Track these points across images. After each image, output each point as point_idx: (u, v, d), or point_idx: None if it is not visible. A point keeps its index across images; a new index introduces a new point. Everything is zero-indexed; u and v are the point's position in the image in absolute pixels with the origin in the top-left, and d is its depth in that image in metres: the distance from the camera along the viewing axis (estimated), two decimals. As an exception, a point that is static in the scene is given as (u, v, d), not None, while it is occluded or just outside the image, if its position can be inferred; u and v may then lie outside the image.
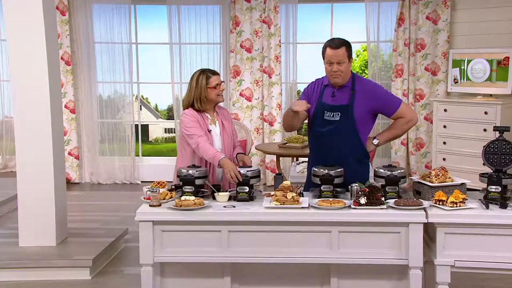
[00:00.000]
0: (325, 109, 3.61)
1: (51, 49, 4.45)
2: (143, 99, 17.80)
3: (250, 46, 7.05)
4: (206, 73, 3.76)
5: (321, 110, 3.62)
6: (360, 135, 3.59)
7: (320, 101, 3.64)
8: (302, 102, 3.54)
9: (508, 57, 5.94)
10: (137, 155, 7.70)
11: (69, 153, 7.31)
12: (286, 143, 5.95)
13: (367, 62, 7.60)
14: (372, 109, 3.59)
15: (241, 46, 7.04)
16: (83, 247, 4.49)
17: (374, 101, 3.57)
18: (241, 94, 7.13)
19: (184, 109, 3.83)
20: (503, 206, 3.21)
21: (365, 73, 9.25)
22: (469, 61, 6.25)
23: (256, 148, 6.37)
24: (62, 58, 7.07)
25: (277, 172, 5.90)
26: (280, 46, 7.01)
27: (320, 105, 3.63)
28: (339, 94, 3.60)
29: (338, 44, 3.51)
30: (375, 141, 3.66)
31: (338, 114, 3.57)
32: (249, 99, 7.14)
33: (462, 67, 6.31)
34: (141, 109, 9.28)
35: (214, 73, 3.79)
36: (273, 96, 7.05)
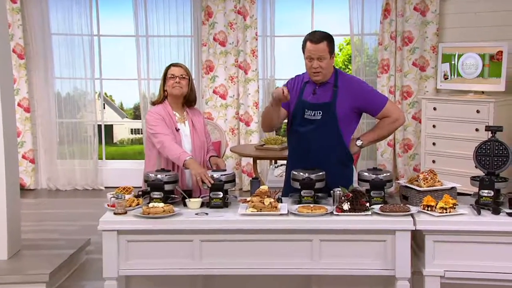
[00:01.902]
0: (305, 107, 3.64)
1: (1, 40, 4.39)
2: (107, 96, 17.64)
3: (224, 39, 7.05)
4: (172, 63, 3.88)
5: (301, 109, 3.65)
6: (343, 136, 3.62)
7: (300, 99, 3.66)
8: (281, 88, 3.49)
9: (501, 51, 6.03)
10: (100, 158, 7.64)
11: (23, 156, 7.22)
12: (264, 144, 5.98)
13: (350, 56, 7.68)
14: (356, 107, 3.62)
15: (214, 39, 7.04)
16: (39, 260, 4.43)
17: (358, 99, 3.60)
18: (214, 92, 7.13)
19: (152, 104, 3.88)
20: (496, 211, 3.27)
21: (349, 68, 9.33)
22: (459, 56, 6.34)
23: (231, 150, 6.38)
24: (14, 51, 6.97)
25: (254, 176, 5.92)
26: (256, 39, 7.03)
27: (300, 103, 3.66)
28: (320, 91, 3.63)
29: (319, 38, 3.53)
30: (359, 142, 3.69)
31: (319, 113, 3.60)
32: (223, 97, 7.15)
33: (453, 62, 6.39)
34: (104, 108, 9.18)
35: (176, 65, 3.87)
36: (250, 94, 7.07)
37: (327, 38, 3.55)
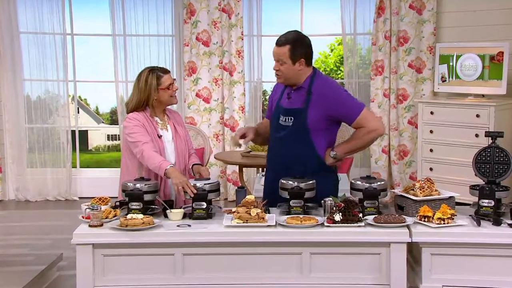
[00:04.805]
0: (280, 113, 3.73)
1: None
2: (81, 100, 17.62)
3: (207, 39, 7.07)
4: (156, 72, 3.80)
5: (277, 114, 3.75)
6: (315, 144, 3.65)
7: (278, 103, 3.77)
8: (235, 137, 3.80)
9: (502, 52, 6.08)
10: (74, 167, 7.61)
11: (-10, 165, 7.19)
12: (250, 151, 5.99)
13: (342, 57, 7.73)
14: (329, 115, 3.63)
15: (197, 39, 7.06)
16: (7, 277, 4.40)
17: (330, 106, 3.61)
18: (197, 95, 7.14)
19: (128, 112, 3.85)
20: (497, 222, 3.30)
21: (341, 70, 9.38)
22: (458, 57, 6.39)
23: (215, 158, 6.38)
24: (-21, 51, 6.97)
25: (240, 185, 5.93)
26: (242, 39, 7.05)
27: (277, 108, 3.77)
28: (294, 96, 3.70)
29: (283, 41, 3.60)
30: (332, 153, 3.69)
31: (291, 119, 3.67)
32: (207, 100, 7.16)
33: (451, 64, 6.45)
34: (78, 112, 9.18)
35: (165, 71, 3.83)
36: (235, 97, 7.08)
37: (293, 43, 3.59)
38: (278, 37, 3.65)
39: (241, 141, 3.84)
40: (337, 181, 3.81)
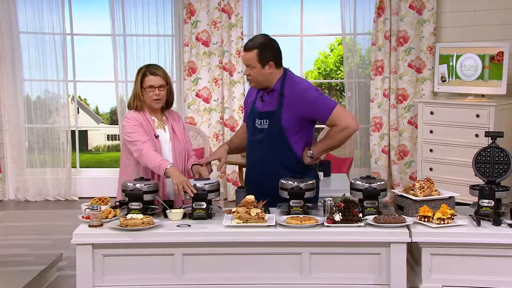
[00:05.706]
0: (255, 116, 3.76)
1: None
2: (81, 100, 17.66)
3: (207, 38, 7.07)
4: (147, 69, 3.80)
5: (253, 117, 3.78)
6: (292, 145, 3.68)
7: (253, 107, 3.80)
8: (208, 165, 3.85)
9: (502, 52, 6.09)
10: (74, 167, 7.62)
11: (-10, 165, 7.19)
12: (250, 151, 5.99)
13: (342, 57, 7.73)
14: (302, 115, 3.65)
15: (197, 39, 7.06)
16: (6, 278, 4.40)
17: (302, 107, 3.63)
18: (197, 95, 7.15)
19: (128, 108, 3.86)
20: (497, 222, 3.30)
21: (340, 70, 9.39)
22: (458, 57, 6.40)
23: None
24: (-21, 51, 6.97)
25: (240, 185, 5.93)
26: (242, 39, 7.05)
27: (252, 110, 3.79)
28: (268, 99, 3.72)
29: (250, 46, 3.63)
30: (309, 153, 3.71)
31: (266, 122, 3.70)
32: (206, 100, 7.16)
33: (451, 64, 6.45)
34: (78, 112, 9.20)
35: (154, 72, 3.78)
36: (235, 97, 7.09)
37: (260, 47, 3.62)
38: (245, 43, 3.69)
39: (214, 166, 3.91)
40: (317, 179, 3.82)
